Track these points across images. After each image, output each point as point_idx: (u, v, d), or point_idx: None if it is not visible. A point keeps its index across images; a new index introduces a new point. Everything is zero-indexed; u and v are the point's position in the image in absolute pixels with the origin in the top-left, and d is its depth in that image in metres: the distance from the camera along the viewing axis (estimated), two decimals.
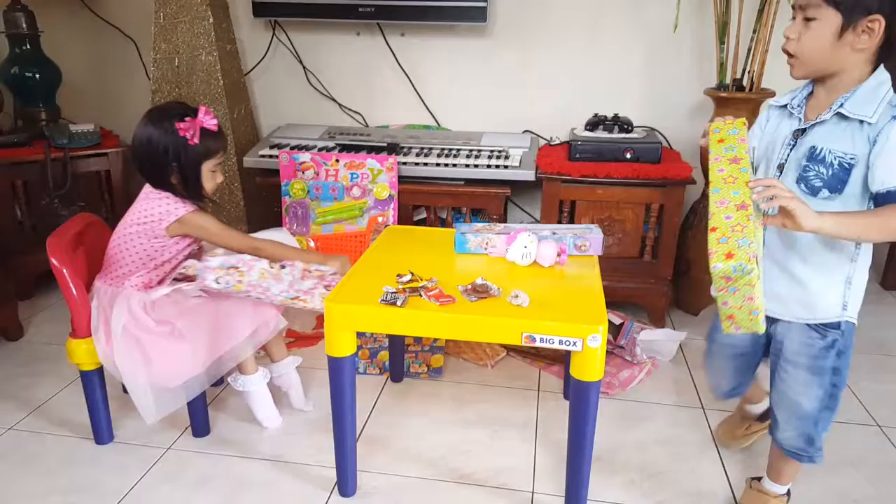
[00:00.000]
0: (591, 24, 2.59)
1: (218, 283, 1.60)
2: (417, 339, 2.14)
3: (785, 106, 1.33)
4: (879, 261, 2.87)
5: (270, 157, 2.46)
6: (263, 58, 2.81)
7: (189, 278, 1.68)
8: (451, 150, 2.49)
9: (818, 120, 1.22)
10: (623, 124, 2.40)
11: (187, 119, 1.58)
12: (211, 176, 1.66)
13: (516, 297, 1.38)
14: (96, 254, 1.73)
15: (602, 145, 2.32)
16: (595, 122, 2.43)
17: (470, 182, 2.40)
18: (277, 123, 2.85)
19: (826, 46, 1.18)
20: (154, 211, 1.62)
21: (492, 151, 2.47)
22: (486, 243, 1.65)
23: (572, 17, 2.59)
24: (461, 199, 2.43)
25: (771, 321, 1.34)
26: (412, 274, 1.48)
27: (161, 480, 1.61)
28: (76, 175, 2.48)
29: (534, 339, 1.31)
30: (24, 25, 2.60)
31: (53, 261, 1.58)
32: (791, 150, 1.28)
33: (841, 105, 1.19)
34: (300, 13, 2.64)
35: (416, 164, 2.40)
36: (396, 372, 2.05)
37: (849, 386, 2.06)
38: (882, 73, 1.19)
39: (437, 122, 2.80)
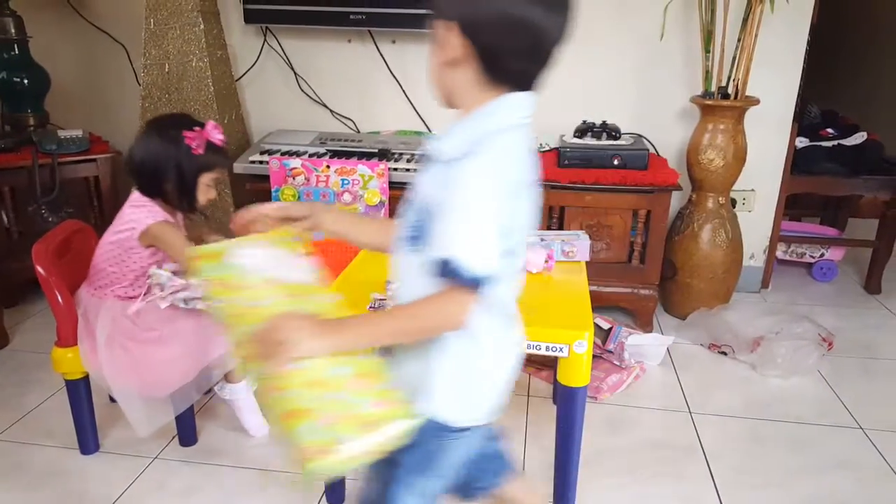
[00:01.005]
0: (580, 31, 2.59)
1: (186, 303, 1.60)
2: None
3: None
4: (863, 266, 2.90)
5: (261, 162, 2.46)
6: (254, 64, 2.81)
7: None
8: None
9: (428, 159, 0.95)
10: (611, 131, 2.42)
11: (196, 129, 1.59)
12: (206, 189, 1.66)
13: None
14: (83, 261, 1.72)
15: (590, 152, 2.34)
16: (583, 130, 2.45)
17: None
18: (268, 129, 2.85)
19: (432, 65, 0.92)
20: (129, 218, 1.61)
21: None
22: None
23: None
24: None
25: None
26: None
27: (148, 490, 1.61)
28: (64, 181, 2.47)
29: None
30: (13, 30, 2.59)
31: (39, 268, 1.57)
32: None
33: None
34: (291, 20, 2.64)
35: (407, 170, 2.41)
36: None
37: (833, 389, 2.08)
38: (498, 103, 0.88)
39: (428, 128, 2.81)
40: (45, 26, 2.79)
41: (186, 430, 1.77)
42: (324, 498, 1.57)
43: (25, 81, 2.65)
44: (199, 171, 1.62)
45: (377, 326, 0.91)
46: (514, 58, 0.87)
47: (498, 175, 0.85)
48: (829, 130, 2.77)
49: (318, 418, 0.82)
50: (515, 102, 0.89)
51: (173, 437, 1.78)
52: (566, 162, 2.34)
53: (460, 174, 0.84)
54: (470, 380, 0.95)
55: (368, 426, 0.82)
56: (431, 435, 0.94)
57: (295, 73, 2.81)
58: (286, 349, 0.85)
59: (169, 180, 1.60)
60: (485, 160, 0.84)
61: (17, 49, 2.63)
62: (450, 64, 0.88)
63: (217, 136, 1.62)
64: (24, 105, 2.69)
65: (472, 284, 0.83)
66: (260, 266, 1.01)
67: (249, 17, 2.65)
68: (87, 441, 1.73)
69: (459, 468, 1.02)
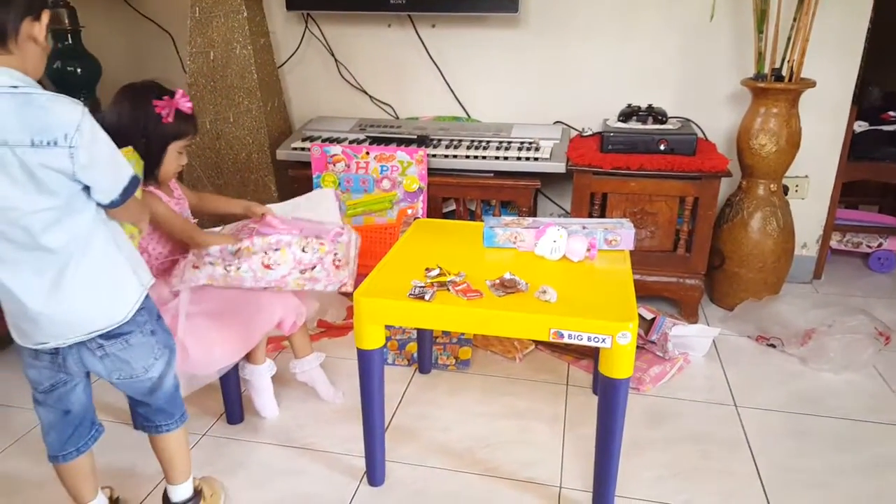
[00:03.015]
0: (625, 12, 2.54)
1: (227, 269, 1.60)
2: (446, 332, 2.15)
3: None
4: None
5: (302, 149, 2.48)
6: (296, 51, 2.83)
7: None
8: (480, 142, 2.47)
9: None
10: (657, 115, 2.36)
11: (165, 98, 1.56)
12: (176, 157, 1.64)
13: (544, 292, 1.37)
14: None
15: (635, 137, 2.28)
16: (628, 113, 2.39)
17: (500, 174, 2.39)
18: (310, 116, 2.87)
19: None
20: None
21: (522, 143, 2.45)
22: (515, 237, 1.64)
23: (605, 6, 2.54)
24: (491, 192, 2.42)
25: None
26: (440, 268, 1.49)
27: (196, 466, 1.63)
28: None
29: (562, 336, 1.30)
30: (66, 20, 2.67)
31: None
32: None
33: None
34: (332, 6, 2.65)
35: (446, 156, 2.39)
36: (424, 363, 2.06)
37: (888, 385, 2.00)
38: None
39: (467, 113, 2.79)
40: (95, 16, 2.86)
41: (233, 409, 1.82)
42: (364, 478, 1.60)
43: (78, 70, 2.73)
44: (169, 140, 1.60)
45: None
46: None
47: None
48: (892, 114, 2.65)
49: None
50: None
51: (221, 415, 1.83)
52: (609, 147, 2.29)
53: None
54: None
55: None
56: None
57: (335, 60, 2.82)
58: None
59: (136, 147, 1.53)
60: None
61: (70, 39, 2.71)
62: None
63: (186, 105, 1.59)
64: (77, 93, 2.76)
65: None
66: None
67: (291, 4, 2.67)
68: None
69: (33, 384, 1.27)
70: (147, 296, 1.28)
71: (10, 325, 1.21)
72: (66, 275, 1.14)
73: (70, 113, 1.06)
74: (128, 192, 1.18)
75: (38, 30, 1.08)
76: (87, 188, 1.13)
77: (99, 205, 1.16)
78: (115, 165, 1.16)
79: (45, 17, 1.09)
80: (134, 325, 1.24)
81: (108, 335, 1.22)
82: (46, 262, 1.13)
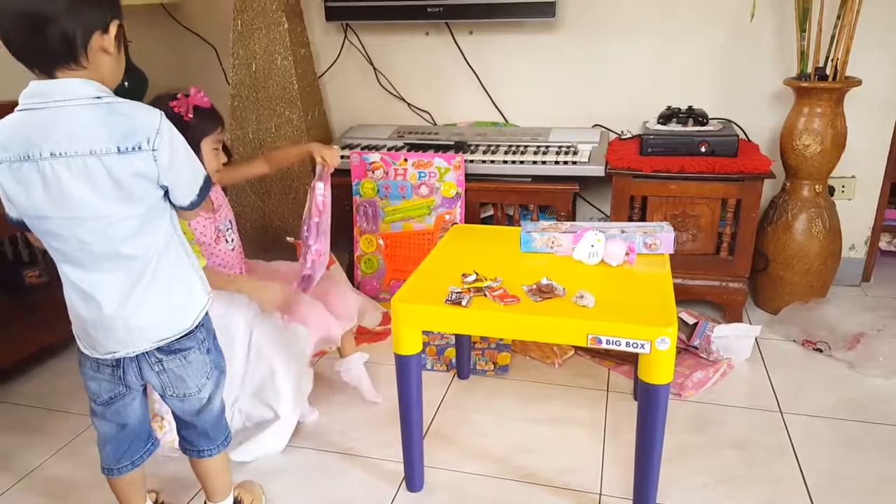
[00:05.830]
0: (664, 13, 2.51)
1: None
2: (484, 337, 2.15)
3: None
4: None
5: (342, 157, 2.52)
6: (336, 60, 2.88)
7: None
8: (518, 146, 2.48)
9: None
10: (698, 117, 2.32)
11: (179, 96, 1.57)
12: (214, 154, 1.65)
13: (581, 297, 1.37)
14: None
15: (675, 139, 2.25)
16: (668, 115, 2.36)
17: (538, 179, 2.39)
18: (349, 124, 2.92)
19: None
20: None
21: (560, 147, 2.45)
22: (552, 242, 1.64)
23: (643, 7, 2.52)
24: (529, 196, 2.42)
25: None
26: (477, 274, 1.50)
27: (237, 472, 1.68)
28: None
29: (600, 341, 1.30)
30: None
31: None
32: None
33: None
34: (371, 16, 2.69)
35: (483, 161, 2.41)
36: (463, 369, 2.07)
37: None
38: None
39: (505, 118, 2.80)
40: (142, 30, 2.96)
41: None
42: (403, 484, 1.61)
43: (126, 84, 2.82)
44: (197, 137, 1.58)
45: None
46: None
47: None
48: None
49: None
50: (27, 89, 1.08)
51: None
52: (649, 150, 2.27)
53: None
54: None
55: None
56: None
57: (374, 68, 2.86)
58: None
59: None
60: None
61: None
62: None
63: (202, 99, 1.60)
64: None
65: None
66: None
67: (331, 15, 2.71)
68: None
69: (92, 396, 1.29)
70: (207, 312, 1.29)
71: (79, 332, 1.22)
72: (143, 280, 1.16)
73: (151, 117, 1.10)
74: (203, 191, 1.20)
75: (107, 41, 1.11)
76: (166, 195, 1.16)
77: (178, 207, 1.19)
78: (192, 166, 1.18)
79: (114, 27, 1.12)
80: (194, 340, 1.25)
81: (169, 350, 1.23)
82: (125, 267, 1.15)
